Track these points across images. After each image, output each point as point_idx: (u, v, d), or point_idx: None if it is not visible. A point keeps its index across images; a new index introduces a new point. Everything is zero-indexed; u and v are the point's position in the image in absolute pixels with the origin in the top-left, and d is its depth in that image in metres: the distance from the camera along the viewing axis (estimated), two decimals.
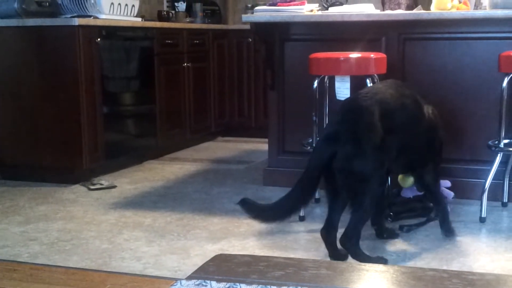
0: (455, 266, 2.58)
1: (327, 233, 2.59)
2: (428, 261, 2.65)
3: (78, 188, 3.94)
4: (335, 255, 2.60)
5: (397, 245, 2.84)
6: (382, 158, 2.52)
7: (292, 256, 2.72)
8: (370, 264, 0.85)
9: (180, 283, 0.92)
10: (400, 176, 3.16)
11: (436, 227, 3.05)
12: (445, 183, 3.32)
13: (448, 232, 2.93)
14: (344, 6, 4.00)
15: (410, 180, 3.10)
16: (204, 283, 0.90)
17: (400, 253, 2.74)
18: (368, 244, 2.80)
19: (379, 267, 0.82)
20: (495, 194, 3.40)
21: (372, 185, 2.48)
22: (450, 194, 3.34)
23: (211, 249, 2.80)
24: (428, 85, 3.59)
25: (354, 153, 2.44)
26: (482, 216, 3.17)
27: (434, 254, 2.73)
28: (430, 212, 3.20)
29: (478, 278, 0.72)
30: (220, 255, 1.04)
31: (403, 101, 2.67)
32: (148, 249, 2.81)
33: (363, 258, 2.53)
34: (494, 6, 3.41)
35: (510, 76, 3.18)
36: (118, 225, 3.17)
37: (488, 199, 3.19)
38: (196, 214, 3.34)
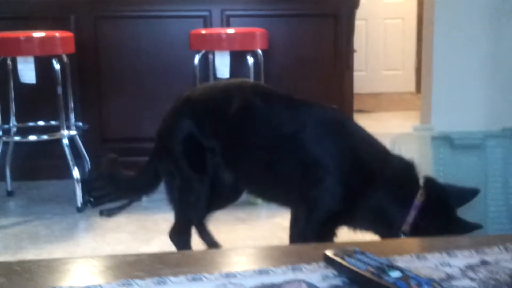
0: (154, 245, 2.55)
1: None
2: (128, 244, 2.58)
3: None
4: None
5: (96, 231, 2.70)
6: (190, 159, 2.04)
7: None
8: None
9: None
10: None
11: (138, 208, 3.00)
12: None
13: None
14: None
15: None
16: None
17: (99, 240, 2.61)
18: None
19: None
20: None
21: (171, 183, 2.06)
22: None
23: None
24: (124, 66, 3.52)
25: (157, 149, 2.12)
26: None
27: (134, 235, 2.66)
28: None
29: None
30: None
31: (235, 103, 1.96)
32: None
33: None
34: None
35: (202, 53, 3.25)
36: None
37: None
38: None
